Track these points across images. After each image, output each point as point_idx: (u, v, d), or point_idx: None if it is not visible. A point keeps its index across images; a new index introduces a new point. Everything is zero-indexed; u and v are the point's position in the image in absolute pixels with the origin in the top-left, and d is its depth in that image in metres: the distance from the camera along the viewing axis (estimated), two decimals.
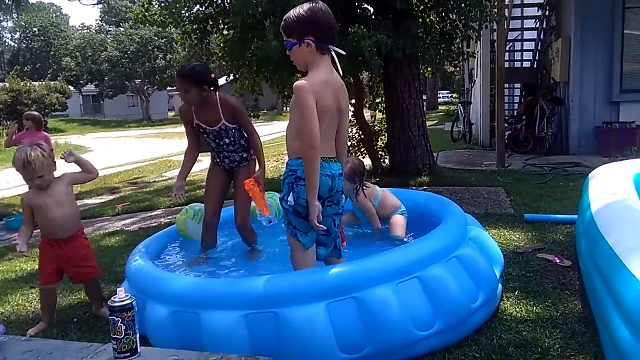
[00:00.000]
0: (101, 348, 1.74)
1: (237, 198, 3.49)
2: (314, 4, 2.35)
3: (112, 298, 1.61)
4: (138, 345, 1.67)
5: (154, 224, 5.86)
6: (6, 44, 70.49)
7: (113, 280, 3.75)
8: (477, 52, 10.67)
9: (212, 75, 3.38)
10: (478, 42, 9.41)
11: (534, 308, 2.70)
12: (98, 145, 23.22)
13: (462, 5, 5.84)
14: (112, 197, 8.72)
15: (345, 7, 6.12)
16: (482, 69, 10.42)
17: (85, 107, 50.31)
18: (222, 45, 7.28)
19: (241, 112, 3.42)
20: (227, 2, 6.55)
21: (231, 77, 7.51)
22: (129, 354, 1.63)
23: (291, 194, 2.37)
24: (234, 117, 3.37)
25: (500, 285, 2.82)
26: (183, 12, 6.77)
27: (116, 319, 1.58)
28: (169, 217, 6.11)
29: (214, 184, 3.56)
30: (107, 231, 5.81)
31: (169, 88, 46.14)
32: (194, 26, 6.78)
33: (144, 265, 2.84)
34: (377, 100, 8.34)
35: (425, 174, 6.69)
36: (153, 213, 6.71)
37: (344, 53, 2.47)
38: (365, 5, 6.56)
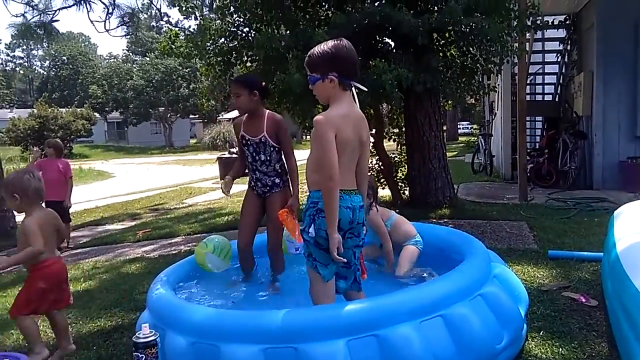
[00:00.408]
0: None
1: (269, 223, 3.58)
2: (338, 42, 2.43)
3: (136, 334, 1.61)
4: None
5: (173, 252, 5.90)
6: (36, 71, 73.03)
7: (133, 308, 3.76)
8: (498, 85, 10.69)
9: (263, 83, 3.61)
10: (499, 75, 9.43)
11: (560, 349, 2.63)
12: (121, 171, 23.63)
13: (483, 40, 5.88)
14: (133, 223, 8.81)
15: (367, 42, 6.21)
16: (503, 102, 10.41)
17: (109, 133, 51.43)
18: None
19: (283, 130, 3.54)
20: (251, 36, 6.72)
21: None
22: None
23: (312, 225, 2.40)
24: (276, 133, 3.50)
25: (525, 324, 2.76)
26: (208, 45, 6.95)
27: (140, 356, 1.58)
28: (188, 244, 6.14)
29: (247, 210, 3.66)
30: (127, 258, 5.86)
31: (191, 116, 47.01)
32: (218, 58, 6.94)
33: (165, 295, 2.85)
34: (396, 131, 8.36)
35: (446, 207, 6.63)
36: (173, 240, 6.76)
37: (366, 89, 2.52)
38: (387, 40, 6.65)
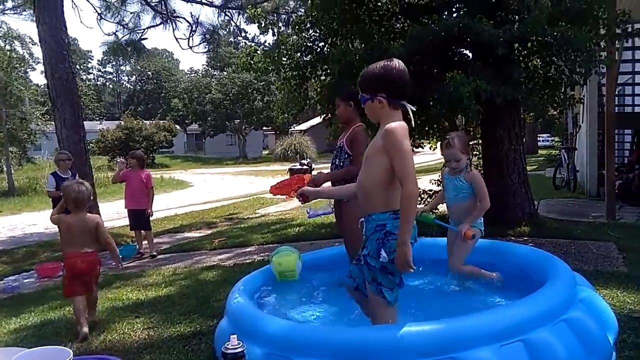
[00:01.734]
0: None
1: (345, 234, 3.81)
2: (388, 63, 2.43)
3: (225, 345, 1.67)
4: None
5: (247, 261, 6.06)
6: (123, 85, 78.25)
7: (211, 315, 3.88)
8: (584, 96, 10.12)
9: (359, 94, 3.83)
10: (584, 86, 8.93)
11: None
12: (198, 181, 24.65)
13: (569, 50, 5.58)
14: (209, 231, 9.15)
15: (444, 53, 6.10)
16: (589, 114, 9.84)
17: (188, 144, 53.83)
18: (318, 89, 7.53)
19: (356, 140, 3.68)
20: (326, 50, 6.82)
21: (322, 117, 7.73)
22: None
23: (382, 250, 2.34)
24: (351, 142, 3.70)
25: (614, 353, 2.57)
26: (284, 59, 7.13)
27: None
28: (262, 254, 6.28)
29: (337, 221, 3.95)
30: (204, 265, 6.08)
31: (264, 128, 48.26)
32: (294, 72, 7.09)
33: (243, 304, 2.93)
34: (471, 143, 8.07)
35: (525, 224, 6.33)
36: (247, 249, 6.94)
37: (414, 109, 2.47)
38: (464, 51, 6.50)
